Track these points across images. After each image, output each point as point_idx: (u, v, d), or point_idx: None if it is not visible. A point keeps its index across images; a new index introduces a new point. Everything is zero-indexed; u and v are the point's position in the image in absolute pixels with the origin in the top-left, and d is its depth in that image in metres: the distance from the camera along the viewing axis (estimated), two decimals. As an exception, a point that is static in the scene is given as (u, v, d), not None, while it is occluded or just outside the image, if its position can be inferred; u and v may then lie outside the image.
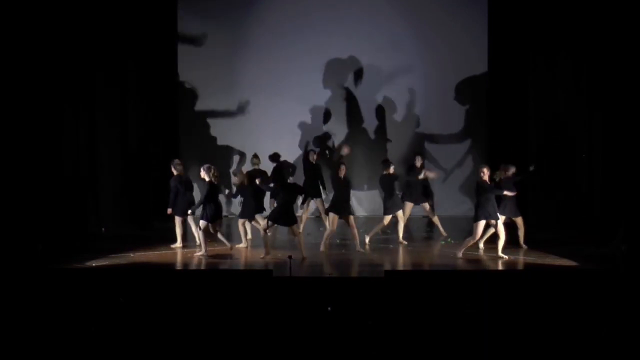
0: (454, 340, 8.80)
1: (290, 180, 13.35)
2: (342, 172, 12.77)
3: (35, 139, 13.52)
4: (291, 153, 17.19)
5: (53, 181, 13.85)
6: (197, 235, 12.70)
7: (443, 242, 13.80)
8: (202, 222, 12.46)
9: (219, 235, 12.81)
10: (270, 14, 17.51)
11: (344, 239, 13.90)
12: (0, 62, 12.96)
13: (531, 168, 13.34)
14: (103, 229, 14.89)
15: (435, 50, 17.39)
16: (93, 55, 14.82)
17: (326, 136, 17.64)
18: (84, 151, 14.86)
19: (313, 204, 15.29)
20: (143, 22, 16.12)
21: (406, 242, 13.61)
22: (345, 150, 15.21)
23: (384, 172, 13.54)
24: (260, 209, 13.31)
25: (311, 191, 14.59)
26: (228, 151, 17.56)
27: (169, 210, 13.16)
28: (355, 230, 12.80)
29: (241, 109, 17.65)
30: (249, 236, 13.57)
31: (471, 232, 12.07)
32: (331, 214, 12.77)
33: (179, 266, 11.82)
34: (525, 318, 9.25)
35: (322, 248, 12.77)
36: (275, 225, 12.48)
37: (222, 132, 17.66)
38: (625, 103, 13.64)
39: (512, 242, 12.81)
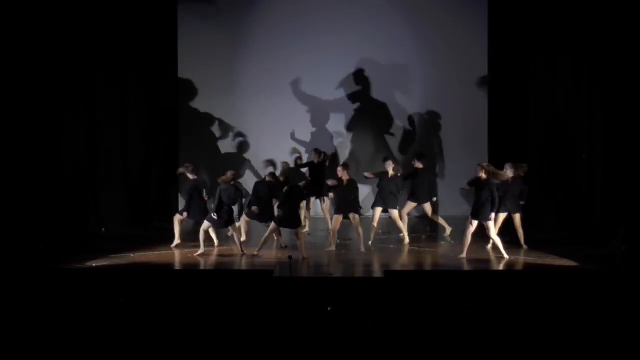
0: (454, 340, 8.80)
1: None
2: (343, 173, 12.73)
3: (35, 139, 13.52)
4: (292, 151, 17.23)
5: (53, 181, 13.85)
6: (214, 236, 12.65)
7: (443, 242, 13.80)
8: (205, 223, 12.48)
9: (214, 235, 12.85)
10: (270, 14, 17.50)
11: (344, 239, 13.90)
12: (1, 62, 12.96)
13: (521, 202, 13.17)
14: (103, 229, 14.89)
15: (435, 50, 17.40)
16: (93, 55, 14.83)
17: (326, 136, 17.63)
18: (84, 151, 14.87)
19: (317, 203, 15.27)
20: (143, 22, 16.12)
21: (407, 241, 13.61)
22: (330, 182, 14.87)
23: (383, 170, 13.56)
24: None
25: (314, 191, 14.63)
26: (228, 151, 17.55)
27: (185, 215, 13.09)
28: (360, 230, 12.77)
29: (241, 109, 17.63)
30: (243, 237, 13.46)
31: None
32: (334, 215, 12.78)
33: (178, 266, 11.82)
34: (525, 318, 9.25)
35: (331, 247, 12.77)
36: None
37: (222, 132, 17.65)
38: (625, 103, 13.64)
39: (512, 242, 12.82)
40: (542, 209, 15.55)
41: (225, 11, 17.49)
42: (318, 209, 15.62)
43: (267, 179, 13.22)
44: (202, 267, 11.68)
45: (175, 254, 12.68)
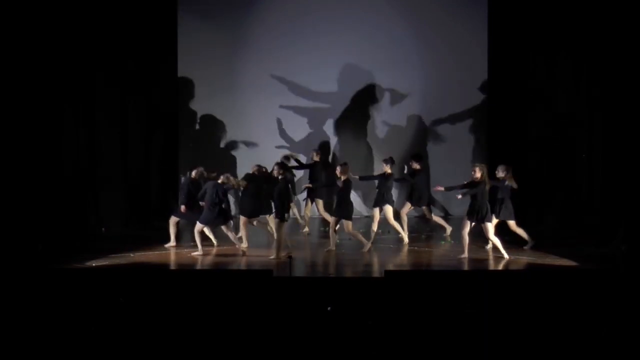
0: (454, 340, 8.80)
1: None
2: (342, 174, 12.73)
3: (35, 138, 13.52)
4: (292, 152, 17.21)
5: (53, 181, 13.85)
6: (230, 235, 12.63)
7: (443, 242, 13.80)
8: (199, 225, 12.48)
9: (208, 234, 12.88)
10: (270, 14, 17.51)
11: (344, 238, 13.90)
12: (1, 62, 12.96)
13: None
14: (103, 229, 14.89)
15: (435, 50, 17.40)
16: (93, 55, 14.82)
17: (325, 136, 17.63)
18: (84, 151, 14.87)
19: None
20: (143, 22, 16.12)
21: (407, 241, 13.61)
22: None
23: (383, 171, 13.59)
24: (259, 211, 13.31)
25: (313, 192, 14.65)
26: (228, 151, 17.55)
27: (183, 209, 13.06)
28: (356, 232, 12.78)
29: (241, 109, 17.64)
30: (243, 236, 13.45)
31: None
32: (332, 216, 12.81)
33: (178, 266, 11.82)
34: (525, 318, 9.25)
35: (331, 247, 12.78)
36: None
37: (222, 132, 17.65)
38: (625, 103, 13.64)
39: (512, 242, 12.84)
40: (542, 209, 15.55)
41: (225, 11, 17.50)
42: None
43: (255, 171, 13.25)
44: (201, 267, 11.68)
45: (175, 254, 12.68)
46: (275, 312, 9.50)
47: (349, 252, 12.78)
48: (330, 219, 13.00)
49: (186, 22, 17.40)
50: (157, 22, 16.63)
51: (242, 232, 13.25)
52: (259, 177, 13.14)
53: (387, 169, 13.46)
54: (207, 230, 12.87)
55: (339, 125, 17.73)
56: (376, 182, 13.99)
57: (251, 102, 17.59)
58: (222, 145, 17.62)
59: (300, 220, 15.22)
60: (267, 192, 12.95)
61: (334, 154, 17.44)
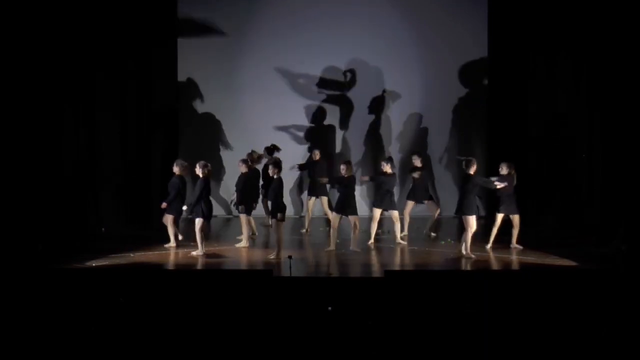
0: (454, 340, 8.80)
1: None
2: (346, 171, 12.75)
3: (35, 138, 13.53)
4: (292, 152, 17.21)
5: (53, 181, 13.85)
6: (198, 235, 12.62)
7: (443, 242, 13.80)
8: (198, 221, 12.45)
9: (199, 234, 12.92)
10: (271, 14, 17.49)
11: (344, 238, 13.90)
12: (1, 62, 12.96)
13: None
14: (103, 229, 14.89)
15: (435, 49, 17.39)
16: (93, 55, 14.82)
17: (325, 135, 17.63)
18: (84, 151, 14.87)
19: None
20: (143, 21, 16.11)
21: (404, 242, 13.59)
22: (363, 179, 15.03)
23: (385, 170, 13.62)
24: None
25: (316, 190, 14.67)
26: (228, 150, 17.54)
27: (164, 205, 13.08)
28: (357, 232, 12.79)
29: (241, 109, 17.63)
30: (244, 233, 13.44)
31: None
32: (334, 214, 12.79)
33: (178, 266, 11.82)
34: (525, 318, 9.25)
35: (331, 247, 12.76)
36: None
37: (222, 131, 17.65)
38: (625, 103, 13.64)
39: (505, 241, 12.88)
40: (542, 209, 15.55)
41: (226, 11, 17.49)
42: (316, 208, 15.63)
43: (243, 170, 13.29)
44: (201, 267, 11.68)
45: (175, 254, 12.68)
46: (275, 312, 9.50)
47: (349, 252, 12.77)
48: (333, 217, 12.96)
49: (186, 22, 17.39)
50: (157, 21, 16.62)
51: (244, 231, 13.27)
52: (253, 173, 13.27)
53: (387, 169, 13.46)
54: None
55: (339, 125, 17.72)
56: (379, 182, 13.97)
57: (251, 101, 17.57)
58: (222, 145, 17.60)
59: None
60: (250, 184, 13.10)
61: (334, 153, 17.41)
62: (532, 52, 16.03)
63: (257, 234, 14.10)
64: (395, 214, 13.51)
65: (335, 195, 13.07)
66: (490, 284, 10.33)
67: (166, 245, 13.13)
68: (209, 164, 12.68)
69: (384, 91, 17.33)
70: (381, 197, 13.46)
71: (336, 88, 17.61)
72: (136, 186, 16.03)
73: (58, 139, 14.15)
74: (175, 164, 13.24)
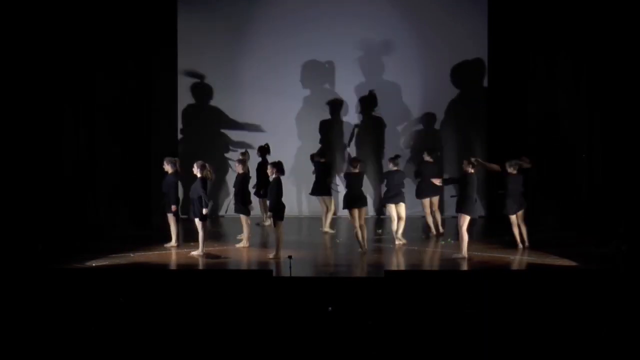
0: (454, 340, 8.80)
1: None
2: (357, 167, 12.76)
3: (35, 138, 13.52)
4: (292, 152, 17.23)
5: (53, 181, 13.85)
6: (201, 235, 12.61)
7: (443, 242, 13.80)
8: (197, 221, 12.44)
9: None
10: (271, 14, 17.48)
11: (344, 239, 13.91)
12: (1, 62, 12.96)
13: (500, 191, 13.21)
14: (103, 229, 14.88)
15: (435, 49, 17.37)
16: (93, 55, 14.82)
17: (327, 134, 17.62)
18: (84, 151, 14.86)
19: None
20: (143, 21, 16.10)
21: (404, 241, 13.58)
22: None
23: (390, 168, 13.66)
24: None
25: (320, 189, 14.69)
26: (228, 151, 17.53)
27: (174, 208, 13.08)
28: (359, 229, 12.75)
29: (241, 109, 17.62)
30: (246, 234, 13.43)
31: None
32: (350, 211, 12.71)
33: (178, 266, 11.82)
34: (525, 318, 9.25)
35: (364, 246, 12.67)
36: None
37: (222, 131, 17.64)
38: (625, 103, 13.64)
39: (512, 242, 12.87)
40: (542, 209, 15.55)
41: (226, 11, 17.49)
42: (315, 209, 15.63)
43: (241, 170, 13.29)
44: (201, 267, 11.69)
45: (175, 254, 12.69)
46: (275, 312, 9.50)
47: (349, 252, 12.78)
48: (357, 218, 12.75)
49: (186, 22, 17.38)
50: (157, 21, 16.61)
51: (244, 231, 13.26)
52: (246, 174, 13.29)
53: (393, 166, 13.54)
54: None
55: (339, 125, 17.70)
56: (385, 180, 13.97)
57: (251, 101, 17.57)
58: (222, 145, 17.59)
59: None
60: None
61: (334, 153, 17.39)
62: (532, 52, 16.01)
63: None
64: (402, 208, 13.52)
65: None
66: (490, 284, 10.32)
67: (166, 245, 13.13)
68: (207, 164, 12.67)
69: (370, 91, 17.41)
70: (394, 194, 13.51)
71: (335, 88, 17.60)
72: (136, 186, 16.02)
73: (58, 139, 14.15)
74: (166, 163, 13.19)
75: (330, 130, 17.58)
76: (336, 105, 17.60)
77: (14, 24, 13.06)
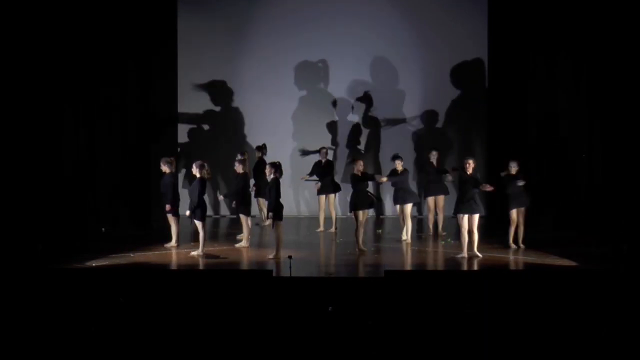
0: (454, 340, 8.80)
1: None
2: (359, 167, 12.75)
3: (35, 138, 13.52)
4: (292, 152, 17.23)
5: (53, 181, 13.85)
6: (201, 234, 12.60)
7: (443, 242, 13.80)
8: (197, 222, 12.43)
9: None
10: (271, 14, 17.49)
11: (344, 239, 13.90)
12: (1, 62, 12.96)
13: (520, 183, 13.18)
14: (103, 229, 14.89)
15: (435, 49, 17.37)
16: (93, 55, 14.82)
17: (325, 134, 17.61)
18: (84, 151, 14.86)
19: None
20: (143, 21, 16.10)
21: (406, 239, 13.60)
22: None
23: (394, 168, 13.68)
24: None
25: (322, 189, 14.70)
26: (228, 151, 17.51)
27: (168, 207, 13.10)
28: (359, 229, 12.75)
29: (241, 109, 17.63)
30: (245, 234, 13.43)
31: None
32: (357, 212, 12.70)
33: (178, 266, 11.82)
34: (525, 318, 9.25)
35: (360, 246, 12.67)
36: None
37: (222, 131, 17.65)
38: (625, 103, 13.65)
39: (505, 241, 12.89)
40: (542, 209, 15.54)
41: (226, 11, 17.50)
42: (315, 208, 15.63)
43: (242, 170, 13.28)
44: (201, 267, 11.68)
45: (175, 254, 12.68)
46: (275, 312, 9.50)
47: (349, 252, 12.77)
48: (358, 215, 12.69)
49: (186, 21, 17.38)
50: (157, 21, 16.60)
51: (244, 231, 13.25)
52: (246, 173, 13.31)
53: (399, 166, 13.54)
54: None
55: (339, 124, 17.71)
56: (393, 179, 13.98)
57: (251, 101, 17.58)
58: (221, 145, 17.58)
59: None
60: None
61: (334, 152, 17.40)
62: (532, 52, 16.01)
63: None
64: (399, 209, 13.49)
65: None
66: (490, 284, 10.33)
67: (166, 245, 13.13)
68: (205, 164, 12.68)
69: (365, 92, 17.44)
70: (403, 194, 13.54)
71: (335, 88, 17.61)
72: (136, 186, 16.02)
73: (58, 139, 14.15)
74: (163, 163, 13.20)
75: (331, 130, 17.60)
76: (336, 105, 17.61)
77: (15, 25, 13.06)
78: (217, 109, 17.63)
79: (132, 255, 12.37)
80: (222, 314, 9.40)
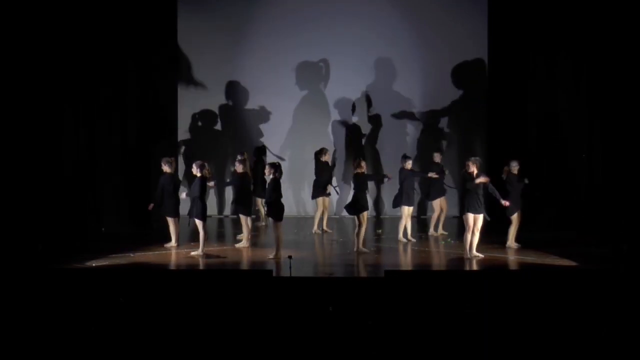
0: (454, 340, 8.80)
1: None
2: (362, 169, 12.74)
3: (35, 139, 13.53)
4: (292, 152, 17.23)
5: (53, 181, 13.85)
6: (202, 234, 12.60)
7: (443, 242, 13.81)
8: (198, 221, 12.43)
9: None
10: (271, 14, 17.50)
11: (344, 239, 13.90)
12: (1, 63, 12.97)
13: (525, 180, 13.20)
14: (103, 228, 14.89)
15: (435, 49, 17.38)
16: (93, 55, 14.83)
17: (325, 134, 17.62)
18: (84, 151, 14.87)
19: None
20: (143, 22, 16.11)
21: (406, 240, 13.59)
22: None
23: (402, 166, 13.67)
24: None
25: (322, 189, 14.69)
26: (228, 151, 17.53)
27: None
28: (363, 230, 12.74)
29: (241, 109, 17.65)
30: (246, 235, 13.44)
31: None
32: (360, 213, 12.68)
33: (178, 266, 11.82)
34: (525, 318, 9.25)
35: (360, 247, 12.66)
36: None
37: (222, 131, 17.66)
38: (625, 103, 13.65)
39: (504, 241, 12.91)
40: (543, 208, 15.55)
41: (226, 11, 17.50)
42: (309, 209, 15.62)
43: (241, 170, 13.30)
44: (201, 267, 11.69)
45: (175, 254, 12.68)
46: (275, 312, 9.50)
47: (348, 252, 12.77)
48: (360, 217, 12.72)
49: (186, 22, 17.39)
50: (157, 21, 16.61)
51: (244, 231, 13.25)
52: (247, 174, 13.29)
53: (407, 165, 13.55)
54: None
55: (339, 124, 17.71)
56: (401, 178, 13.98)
57: (251, 101, 17.59)
58: (221, 145, 17.60)
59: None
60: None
61: (335, 152, 17.41)
62: (532, 52, 16.02)
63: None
64: (407, 210, 13.56)
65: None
66: (490, 284, 10.33)
67: (166, 245, 13.13)
68: (205, 164, 12.68)
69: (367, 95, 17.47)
70: (408, 195, 13.55)
71: (336, 88, 17.61)
72: (136, 186, 16.03)
73: (58, 139, 14.15)
74: (163, 163, 13.21)
75: (331, 130, 17.61)
76: (336, 106, 17.62)
77: (15, 25, 13.06)
78: (217, 109, 17.64)
79: (132, 255, 12.37)
80: (222, 314, 9.40)
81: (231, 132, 17.63)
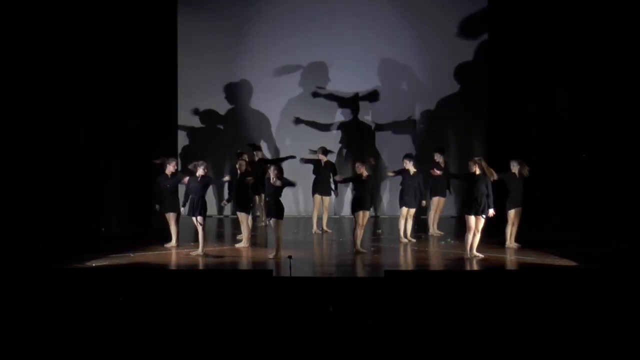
0: (454, 340, 8.80)
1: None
2: (362, 169, 12.73)
3: (35, 139, 13.53)
4: (291, 152, 17.21)
5: (53, 181, 13.85)
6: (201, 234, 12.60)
7: (443, 242, 13.81)
8: (200, 219, 12.43)
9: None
10: (271, 14, 17.51)
11: (344, 238, 13.90)
12: (1, 63, 12.96)
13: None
14: (103, 228, 14.89)
15: (435, 49, 17.39)
16: (93, 56, 14.82)
17: (326, 134, 17.62)
18: (84, 151, 14.87)
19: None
20: (143, 22, 16.11)
21: (406, 240, 13.59)
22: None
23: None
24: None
25: (320, 189, 14.69)
26: (228, 151, 17.53)
27: (182, 210, 13.11)
28: (361, 231, 12.73)
29: (241, 109, 17.65)
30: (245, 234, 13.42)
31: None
32: (356, 213, 12.69)
33: (178, 266, 11.82)
34: (525, 318, 9.25)
35: (358, 247, 12.64)
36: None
37: (222, 131, 17.66)
38: (625, 103, 13.65)
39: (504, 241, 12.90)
40: (542, 209, 15.55)
41: (226, 11, 17.50)
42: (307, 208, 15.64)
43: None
44: (201, 267, 11.68)
45: (175, 254, 12.68)
46: (275, 312, 9.50)
47: (348, 252, 12.77)
48: (358, 216, 12.70)
49: (186, 22, 17.39)
50: (157, 21, 16.60)
51: (244, 231, 13.25)
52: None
53: (410, 167, 13.53)
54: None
55: (339, 124, 17.72)
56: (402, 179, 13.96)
57: (251, 102, 17.60)
58: (221, 145, 17.60)
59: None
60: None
61: (334, 153, 17.40)
62: (532, 52, 16.02)
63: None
64: (406, 211, 13.55)
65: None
66: (490, 284, 10.33)
67: (166, 245, 13.13)
68: (205, 163, 12.69)
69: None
70: (408, 196, 13.55)
71: (335, 88, 17.61)
72: (136, 186, 16.03)
73: (58, 139, 14.15)
74: (167, 164, 13.21)
75: (331, 130, 17.61)
76: (336, 106, 17.62)
77: (15, 25, 13.06)
78: (217, 109, 17.64)
79: (132, 255, 12.36)
80: (222, 314, 9.40)
81: (231, 132, 17.63)
